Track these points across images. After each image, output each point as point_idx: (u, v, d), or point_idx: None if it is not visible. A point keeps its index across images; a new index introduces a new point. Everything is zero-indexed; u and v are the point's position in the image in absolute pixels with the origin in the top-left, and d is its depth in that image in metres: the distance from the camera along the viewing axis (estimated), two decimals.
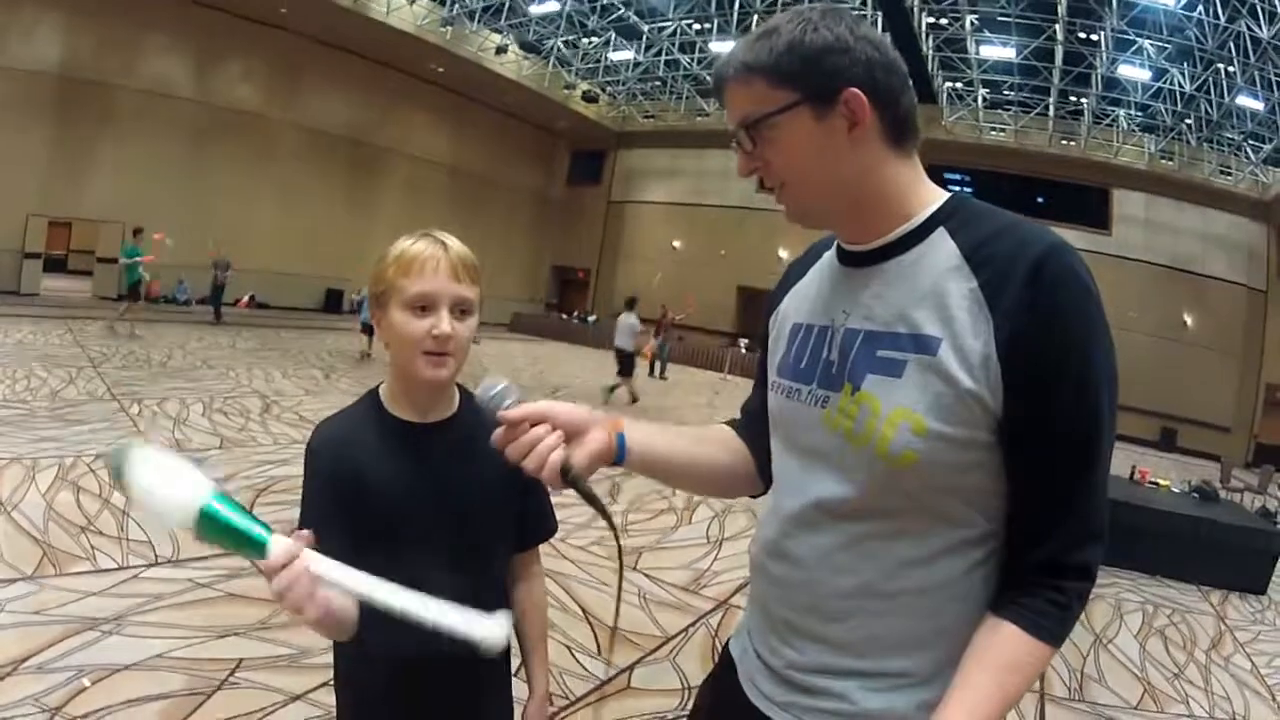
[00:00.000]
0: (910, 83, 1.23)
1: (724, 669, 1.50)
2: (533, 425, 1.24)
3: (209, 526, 1.09)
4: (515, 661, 1.72)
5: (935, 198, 1.26)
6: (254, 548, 1.11)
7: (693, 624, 4.92)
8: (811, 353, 1.34)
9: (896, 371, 1.16)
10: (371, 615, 1.23)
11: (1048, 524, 1.12)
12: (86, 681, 3.26)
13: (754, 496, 1.59)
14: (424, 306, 1.47)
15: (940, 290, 1.15)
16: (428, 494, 1.52)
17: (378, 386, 1.63)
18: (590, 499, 1.27)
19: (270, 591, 1.13)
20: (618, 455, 1.33)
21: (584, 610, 4.80)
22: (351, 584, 1.15)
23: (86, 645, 3.54)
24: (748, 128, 1.21)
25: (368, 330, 14.92)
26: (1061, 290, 1.08)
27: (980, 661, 1.11)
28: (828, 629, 1.25)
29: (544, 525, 1.76)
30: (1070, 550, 1.12)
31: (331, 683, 1.62)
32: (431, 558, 1.49)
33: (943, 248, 1.18)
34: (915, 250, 1.21)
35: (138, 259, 15.12)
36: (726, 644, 1.57)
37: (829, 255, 1.41)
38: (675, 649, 4.56)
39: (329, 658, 1.63)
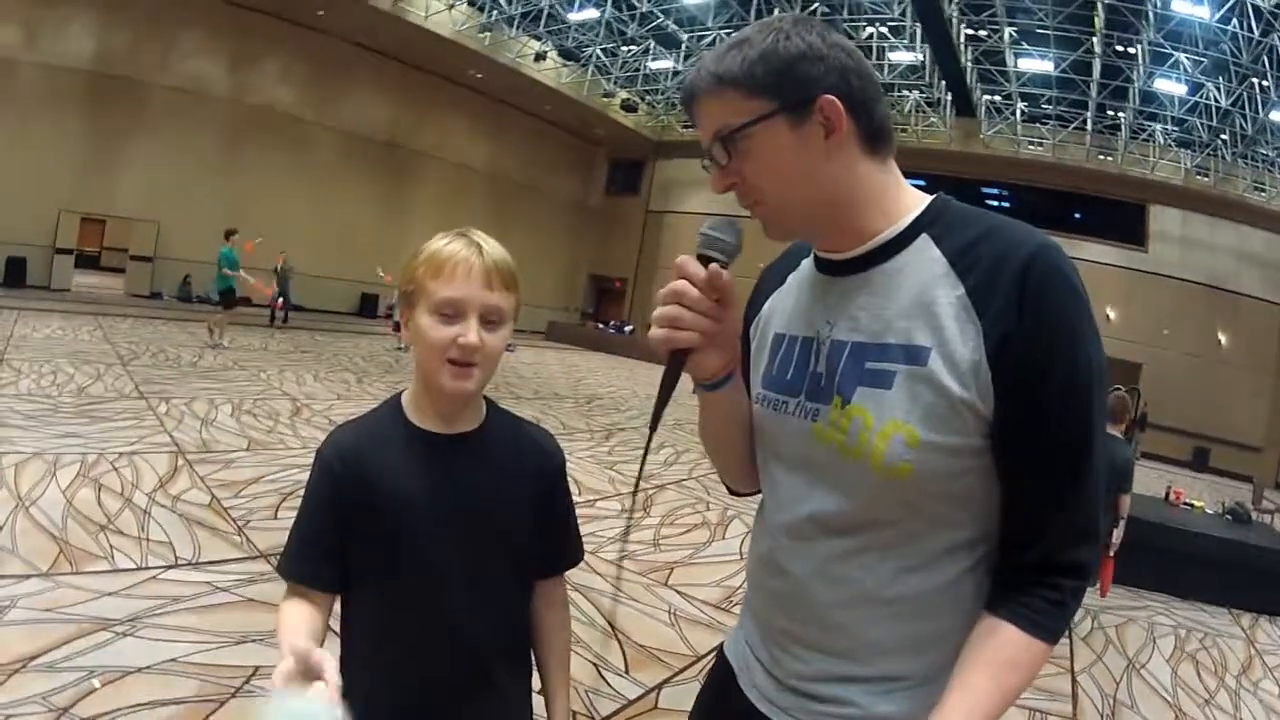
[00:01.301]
0: (882, 90, 1.23)
1: (722, 673, 1.50)
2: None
3: None
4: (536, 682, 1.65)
5: (916, 202, 1.25)
6: None
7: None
8: (797, 364, 1.32)
9: (886, 383, 1.15)
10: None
11: (1042, 524, 1.12)
12: (96, 683, 3.21)
13: (748, 495, 1.56)
14: (451, 313, 1.39)
15: (928, 299, 1.14)
16: (452, 507, 1.45)
17: (399, 394, 1.55)
18: (666, 387, 1.25)
19: None
20: (716, 383, 1.31)
21: (613, 627, 4.72)
22: None
23: (99, 646, 3.49)
24: (723, 140, 1.18)
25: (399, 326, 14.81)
26: (1049, 290, 1.07)
27: (979, 661, 1.10)
28: (827, 638, 1.25)
29: (570, 550, 1.67)
30: (1065, 549, 1.12)
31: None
32: (457, 572, 1.43)
33: (927, 254, 1.18)
34: (899, 258, 1.21)
35: (230, 269, 14.67)
36: (721, 648, 1.56)
37: (808, 262, 1.40)
38: (705, 669, 4.43)
39: None
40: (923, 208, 1.23)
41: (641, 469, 1.43)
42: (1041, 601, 1.10)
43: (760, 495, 1.51)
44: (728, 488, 1.58)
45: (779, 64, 1.12)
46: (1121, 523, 6.16)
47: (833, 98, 1.13)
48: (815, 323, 1.30)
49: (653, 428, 1.28)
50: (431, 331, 1.39)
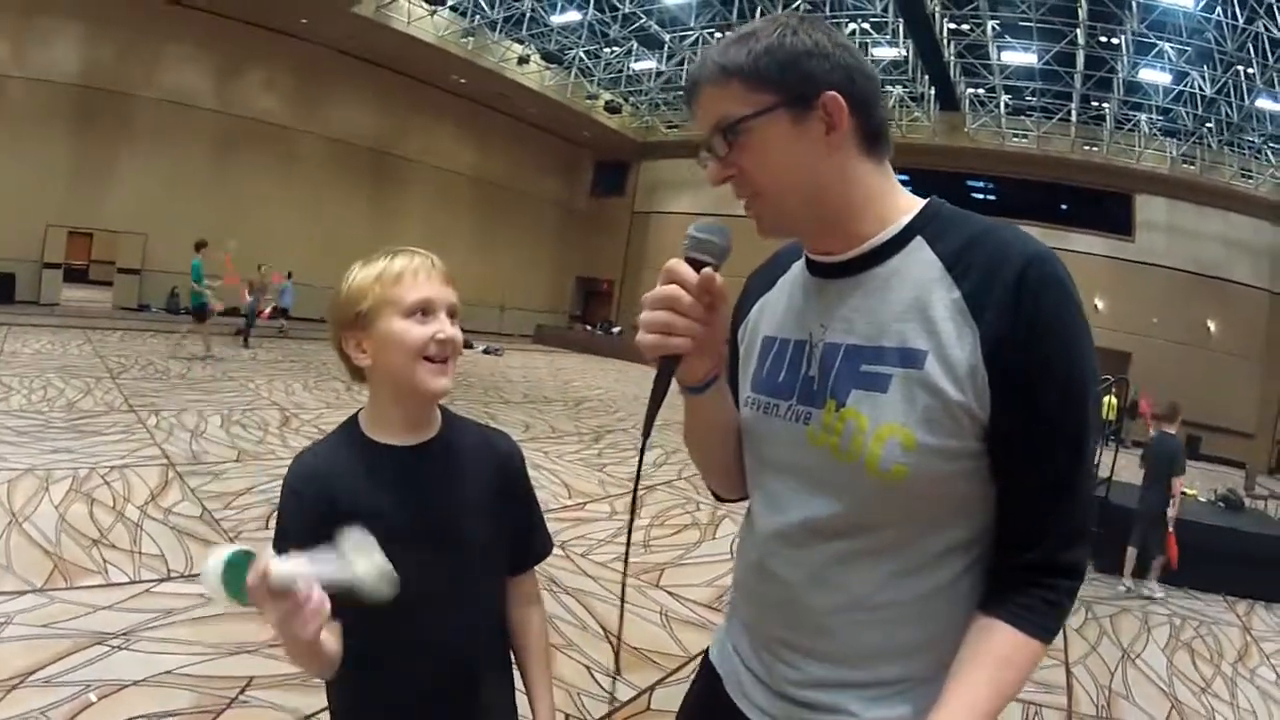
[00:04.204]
0: (883, 94, 1.24)
1: (708, 679, 1.49)
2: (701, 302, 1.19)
3: (229, 579, 1.12)
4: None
5: (910, 205, 1.24)
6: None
7: None
8: (789, 367, 1.31)
9: (882, 386, 1.15)
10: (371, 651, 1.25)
11: (1038, 525, 1.12)
12: (93, 697, 3.21)
13: (733, 501, 1.54)
14: (425, 312, 1.42)
15: (923, 302, 1.14)
16: (420, 518, 1.45)
17: (355, 414, 1.55)
18: (658, 393, 1.24)
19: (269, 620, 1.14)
20: (702, 386, 1.30)
21: (604, 629, 4.67)
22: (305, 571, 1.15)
23: (95, 660, 3.50)
24: (723, 131, 1.18)
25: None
26: (1045, 296, 1.07)
27: (975, 660, 1.11)
28: (820, 644, 1.24)
29: (537, 544, 1.68)
30: (1060, 550, 1.12)
31: None
32: (433, 582, 1.43)
33: (921, 257, 1.18)
34: (893, 261, 1.20)
35: (203, 283, 14.24)
36: (706, 653, 1.56)
37: (798, 265, 1.39)
38: (697, 669, 4.43)
39: None
40: (916, 211, 1.23)
41: (638, 475, 1.42)
42: (1038, 601, 1.11)
43: (740, 495, 1.51)
44: (713, 493, 1.56)
45: (785, 58, 1.13)
46: (1175, 500, 7.30)
47: (836, 94, 1.13)
48: (808, 325, 1.30)
49: (646, 434, 1.26)
50: (409, 333, 1.41)
